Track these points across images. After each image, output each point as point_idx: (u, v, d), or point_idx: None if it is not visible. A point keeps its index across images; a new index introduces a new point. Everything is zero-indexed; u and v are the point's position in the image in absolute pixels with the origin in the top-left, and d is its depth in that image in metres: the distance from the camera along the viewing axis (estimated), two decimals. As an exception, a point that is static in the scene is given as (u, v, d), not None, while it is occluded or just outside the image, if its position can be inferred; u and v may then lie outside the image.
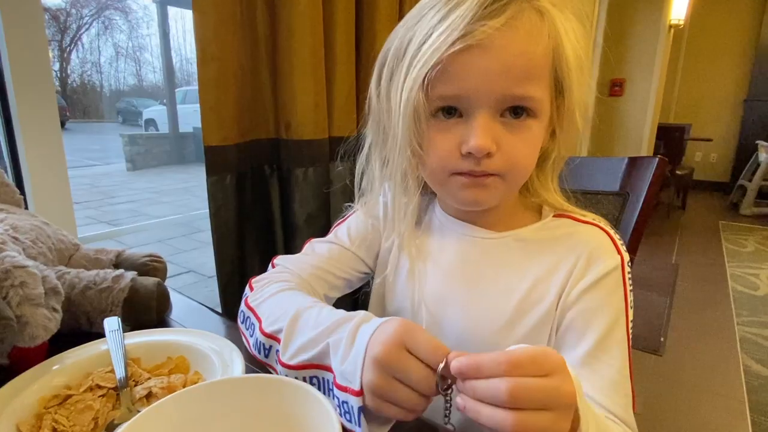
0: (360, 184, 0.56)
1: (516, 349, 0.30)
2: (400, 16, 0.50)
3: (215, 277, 0.95)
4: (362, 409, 0.34)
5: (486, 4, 0.39)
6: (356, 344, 0.36)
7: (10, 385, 0.38)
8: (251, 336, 0.48)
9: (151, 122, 10.26)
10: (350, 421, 0.36)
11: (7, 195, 0.65)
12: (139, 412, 0.37)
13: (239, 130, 0.91)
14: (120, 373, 0.41)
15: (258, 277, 0.55)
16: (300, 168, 1.00)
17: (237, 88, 0.89)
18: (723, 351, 1.98)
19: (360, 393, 0.34)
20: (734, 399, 1.65)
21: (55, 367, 0.42)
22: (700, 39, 5.08)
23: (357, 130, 0.57)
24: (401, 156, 0.46)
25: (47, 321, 0.39)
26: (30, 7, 0.80)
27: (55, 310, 0.41)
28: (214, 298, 0.98)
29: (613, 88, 3.81)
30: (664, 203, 4.40)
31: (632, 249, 0.74)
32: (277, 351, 0.43)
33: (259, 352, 0.46)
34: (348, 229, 0.60)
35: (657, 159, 0.74)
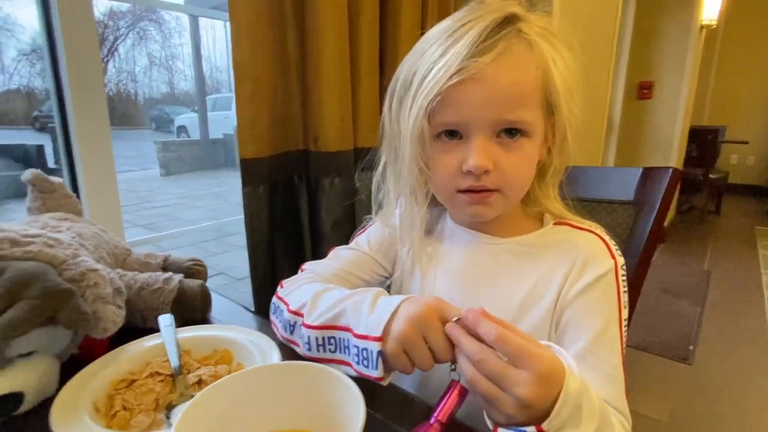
0: (377, 198, 0.62)
1: (521, 332, 0.36)
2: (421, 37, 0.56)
3: (245, 280, 1.02)
4: (381, 353, 0.41)
5: (478, 42, 0.45)
6: (379, 306, 0.44)
7: (86, 371, 0.45)
8: (280, 321, 0.54)
9: (182, 129, 10.63)
10: (367, 366, 0.42)
11: (71, 206, 0.73)
12: (192, 395, 0.44)
13: (271, 144, 0.98)
14: (175, 362, 0.47)
15: (287, 279, 0.62)
16: (327, 178, 1.06)
17: (270, 105, 0.96)
18: (756, 361, 1.93)
19: (380, 339, 0.41)
20: (767, 411, 1.61)
21: (120, 357, 0.48)
22: (734, 39, 4.92)
23: (381, 142, 0.63)
24: (410, 174, 0.53)
25: (115, 316, 0.46)
26: (85, 22, 0.89)
27: (120, 307, 0.48)
28: (245, 300, 1.05)
29: (641, 90, 3.74)
30: (697, 208, 4.28)
31: (647, 256, 0.76)
32: (301, 323, 0.49)
33: (286, 330, 0.53)
34: (367, 237, 0.66)
35: (671, 170, 0.76)
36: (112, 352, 0.49)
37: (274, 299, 0.58)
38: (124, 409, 0.41)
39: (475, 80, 0.45)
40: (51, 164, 6.41)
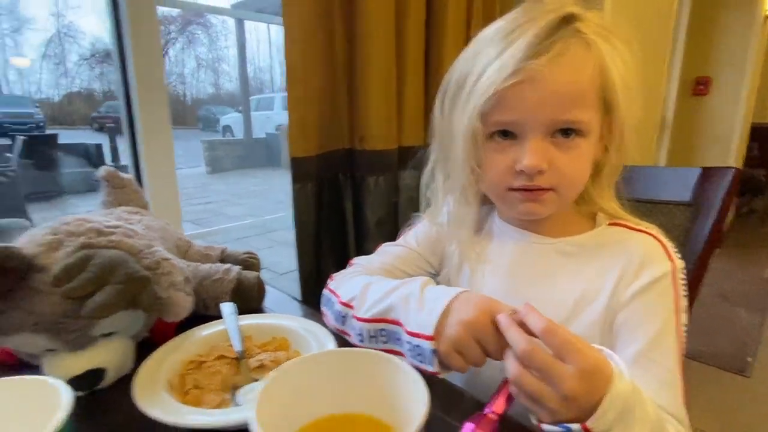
0: (425, 196, 0.64)
1: (570, 331, 0.36)
2: (466, 43, 0.56)
3: (287, 275, 1.06)
4: (434, 351, 0.43)
5: (535, 43, 0.45)
6: (428, 301, 0.46)
7: (159, 352, 0.49)
8: (331, 311, 0.57)
9: (228, 128, 11.06)
10: (422, 362, 0.44)
11: (139, 200, 0.78)
12: (255, 378, 0.47)
13: (319, 143, 1.01)
14: (239, 347, 0.50)
15: (337, 272, 0.64)
16: (371, 176, 1.09)
17: (318, 105, 0.99)
18: (822, 376, 1.80)
19: (431, 338, 0.43)
20: (833, 429, 1.50)
21: (188, 340, 0.52)
22: (804, 29, 4.55)
23: (425, 140, 0.63)
24: (461, 173, 0.53)
25: (186, 302, 0.50)
26: (150, 27, 0.96)
27: (189, 294, 0.52)
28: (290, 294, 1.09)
29: (697, 86, 3.54)
30: (758, 211, 4.01)
31: (704, 260, 0.73)
32: (352, 315, 0.52)
33: (337, 321, 0.55)
34: (415, 234, 0.67)
35: (732, 170, 0.73)
36: (180, 335, 0.53)
37: (325, 291, 0.61)
38: (196, 387, 0.45)
39: (532, 81, 0.45)
40: (108, 162, 6.85)
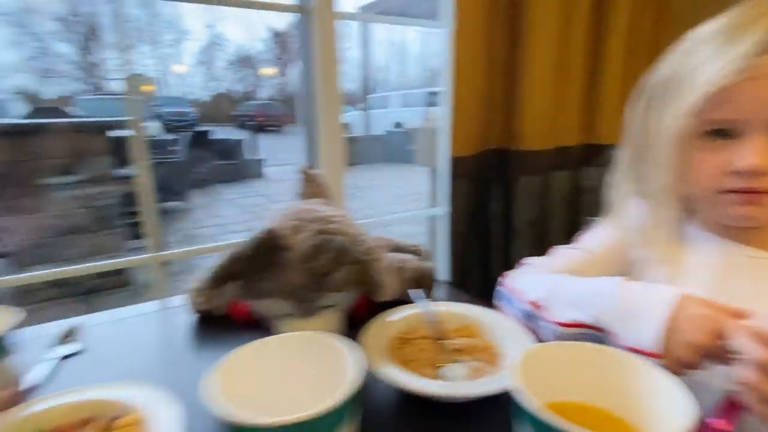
0: (610, 199, 0.63)
1: None
2: (628, 46, 0.54)
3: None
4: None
5: (765, 40, 0.43)
6: (638, 309, 0.46)
7: (373, 326, 0.58)
8: (513, 308, 0.60)
9: (346, 126, 11.78)
10: None
11: (325, 194, 0.89)
12: (455, 360, 0.52)
13: (476, 143, 1.05)
14: (438, 329, 0.56)
15: (510, 271, 0.67)
16: (525, 176, 1.09)
17: (479, 106, 1.03)
18: None
19: (657, 356, 0.43)
20: None
21: (387, 320, 0.60)
22: None
23: (581, 140, 0.62)
24: (663, 175, 0.52)
25: (395, 284, 0.57)
26: (332, 39, 1.08)
27: (394, 277, 0.60)
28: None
29: None
30: None
31: None
32: (545, 318, 0.54)
33: (522, 318, 0.58)
34: (595, 238, 0.67)
35: None
36: (382, 314, 0.61)
37: (501, 289, 0.64)
38: (412, 361, 0.52)
39: (760, 78, 0.43)
40: (247, 156, 7.72)
